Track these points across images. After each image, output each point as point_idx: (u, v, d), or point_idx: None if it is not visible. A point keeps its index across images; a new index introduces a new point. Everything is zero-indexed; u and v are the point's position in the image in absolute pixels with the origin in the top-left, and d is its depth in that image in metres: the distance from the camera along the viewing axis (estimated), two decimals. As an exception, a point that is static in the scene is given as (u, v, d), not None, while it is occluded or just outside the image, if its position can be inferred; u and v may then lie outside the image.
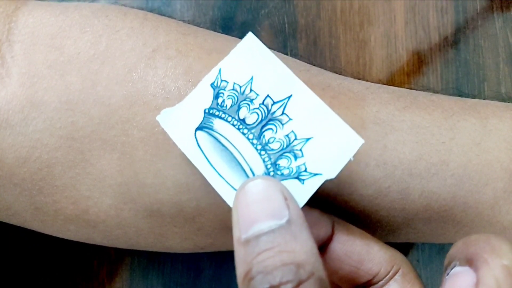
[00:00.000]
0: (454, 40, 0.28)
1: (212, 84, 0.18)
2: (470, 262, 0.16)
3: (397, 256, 0.19)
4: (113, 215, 0.20)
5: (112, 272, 0.28)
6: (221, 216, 0.20)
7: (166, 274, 0.28)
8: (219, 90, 0.18)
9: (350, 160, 0.17)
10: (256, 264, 0.15)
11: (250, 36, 0.18)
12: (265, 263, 0.15)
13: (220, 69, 0.18)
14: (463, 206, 0.21)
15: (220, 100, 0.18)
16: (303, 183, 0.17)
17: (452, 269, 0.17)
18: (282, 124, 0.18)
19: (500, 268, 0.15)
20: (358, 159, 0.20)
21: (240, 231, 0.16)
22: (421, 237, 0.23)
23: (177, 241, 0.21)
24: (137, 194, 0.20)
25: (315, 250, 0.16)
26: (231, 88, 0.18)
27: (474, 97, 0.27)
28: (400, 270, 0.19)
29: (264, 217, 0.16)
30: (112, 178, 0.20)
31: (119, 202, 0.20)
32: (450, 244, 0.26)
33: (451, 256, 0.17)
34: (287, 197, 0.16)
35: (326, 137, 0.17)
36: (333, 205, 0.20)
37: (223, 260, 0.28)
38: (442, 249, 0.27)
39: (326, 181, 0.17)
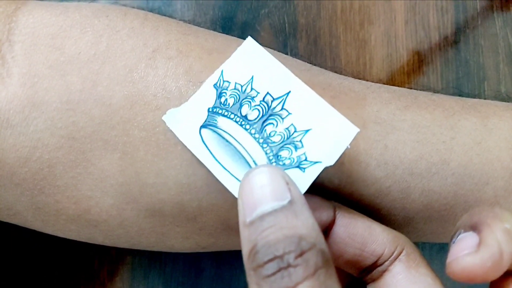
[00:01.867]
0: (454, 39, 0.28)
1: (215, 85, 0.19)
2: (474, 227, 0.17)
3: (400, 237, 0.19)
4: (115, 215, 0.20)
5: (113, 271, 0.28)
6: (223, 215, 0.20)
7: (167, 273, 0.28)
8: (221, 90, 0.19)
9: (347, 148, 0.18)
10: (260, 240, 0.16)
11: (249, 40, 0.19)
12: (268, 238, 0.16)
13: (222, 71, 0.19)
14: (464, 205, 0.21)
15: (223, 99, 0.19)
16: (304, 171, 0.18)
17: (457, 237, 0.17)
18: (282, 119, 0.19)
19: (502, 231, 0.16)
20: (359, 159, 0.20)
21: (245, 215, 0.16)
22: (421, 236, 0.23)
23: (179, 241, 0.22)
24: (138, 194, 0.20)
25: (316, 226, 0.16)
26: (233, 87, 0.19)
27: (474, 96, 0.27)
28: (404, 250, 0.19)
29: (267, 200, 0.16)
30: (113, 178, 0.20)
31: (121, 202, 0.20)
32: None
33: (456, 228, 0.18)
34: (288, 182, 0.17)
35: (324, 128, 0.18)
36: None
37: (224, 260, 0.28)
38: (443, 248, 0.28)
39: (326, 168, 0.18)
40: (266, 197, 0.16)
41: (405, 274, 0.18)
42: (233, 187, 0.19)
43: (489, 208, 0.17)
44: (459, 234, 0.17)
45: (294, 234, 0.16)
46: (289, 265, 0.15)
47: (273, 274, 0.15)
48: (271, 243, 0.15)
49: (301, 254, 0.15)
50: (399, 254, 0.19)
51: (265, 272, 0.15)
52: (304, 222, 0.16)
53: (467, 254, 0.16)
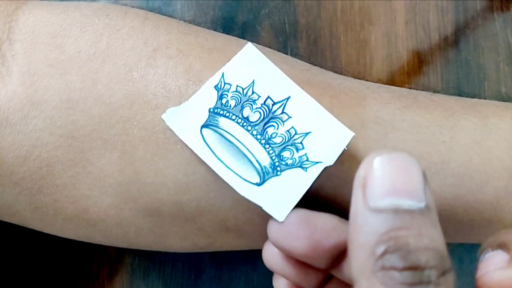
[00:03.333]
0: (454, 40, 0.28)
1: (216, 86, 0.19)
2: (502, 246, 0.16)
3: None
4: (113, 214, 0.20)
5: (112, 272, 0.28)
6: (221, 216, 0.20)
7: (167, 274, 0.28)
8: (223, 92, 0.19)
9: (345, 149, 0.19)
10: (396, 239, 0.14)
11: (249, 46, 0.20)
12: (407, 240, 0.14)
13: (223, 73, 0.20)
14: (464, 205, 0.21)
15: (224, 101, 0.19)
16: (306, 171, 0.19)
17: (485, 255, 0.17)
18: (283, 121, 0.19)
19: None
20: (358, 159, 0.20)
21: (368, 197, 0.15)
22: (422, 237, 0.23)
23: (176, 241, 0.21)
24: (137, 194, 0.20)
25: (445, 245, 0.15)
26: (234, 90, 0.19)
27: (474, 96, 0.27)
28: None
29: (401, 193, 0.15)
30: (112, 177, 0.20)
31: (119, 201, 0.20)
32: (451, 244, 0.26)
33: (482, 248, 0.17)
34: (426, 183, 0.15)
35: (322, 131, 0.19)
36: (333, 206, 0.20)
37: (224, 261, 0.28)
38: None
39: (326, 168, 0.19)
40: (400, 189, 0.15)
41: None
42: (236, 185, 0.19)
43: None
44: (487, 253, 0.17)
45: (436, 247, 0.14)
46: (430, 281, 0.14)
47: (413, 284, 0.14)
48: (410, 248, 0.14)
49: (443, 273, 0.14)
50: None
51: (402, 278, 0.14)
52: (440, 237, 0.15)
53: (498, 268, 0.16)
